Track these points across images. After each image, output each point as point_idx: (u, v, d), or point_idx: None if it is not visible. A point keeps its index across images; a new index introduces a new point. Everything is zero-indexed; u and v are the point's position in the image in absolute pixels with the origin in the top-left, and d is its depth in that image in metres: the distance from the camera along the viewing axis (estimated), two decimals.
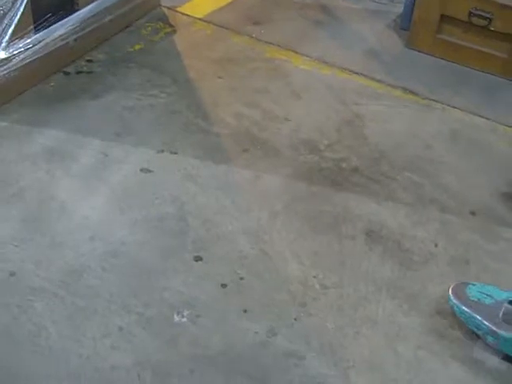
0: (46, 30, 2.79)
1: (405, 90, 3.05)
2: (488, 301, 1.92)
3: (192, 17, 3.46)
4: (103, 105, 2.78)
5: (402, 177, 2.57)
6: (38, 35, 2.75)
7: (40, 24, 2.76)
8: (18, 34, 2.64)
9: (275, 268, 2.15)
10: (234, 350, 1.91)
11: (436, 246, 2.28)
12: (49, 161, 2.48)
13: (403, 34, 3.46)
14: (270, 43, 3.32)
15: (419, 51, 3.33)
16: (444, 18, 3.23)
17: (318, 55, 3.26)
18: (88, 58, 3.05)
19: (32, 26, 2.72)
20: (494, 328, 1.85)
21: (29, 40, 2.71)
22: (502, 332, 1.85)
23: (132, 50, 3.15)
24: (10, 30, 2.60)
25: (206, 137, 2.66)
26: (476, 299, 1.93)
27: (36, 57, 2.75)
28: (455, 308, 1.95)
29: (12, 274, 2.04)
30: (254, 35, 3.36)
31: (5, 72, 2.63)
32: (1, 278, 2.03)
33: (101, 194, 2.36)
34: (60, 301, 1.98)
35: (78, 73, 2.97)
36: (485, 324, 1.87)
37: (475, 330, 1.91)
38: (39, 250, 2.13)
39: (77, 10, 2.94)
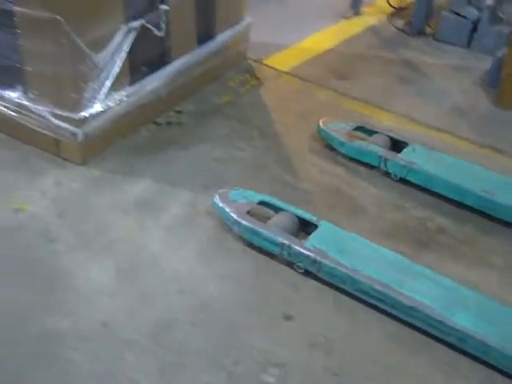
0: (140, 83, 2.90)
1: (492, 148, 3.01)
2: (242, 201, 2.47)
3: (278, 70, 3.52)
4: (192, 156, 2.84)
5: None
6: (132, 88, 2.86)
7: (135, 77, 2.88)
8: (114, 87, 2.76)
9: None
10: None
11: None
12: (139, 211, 2.54)
13: (491, 91, 3.44)
14: (356, 98, 3.34)
15: (508, 109, 3.29)
16: None
17: (403, 111, 3.26)
18: (177, 108, 3.14)
19: (128, 80, 2.84)
20: (237, 219, 2.36)
21: (124, 93, 2.82)
22: (243, 222, 2.36)
23: (220, 101, 3.23)
24: (108, 84, 2.71)
25: (294, 192, 2.68)
26: (233, 199, 2.47)
27: (130, 109, 2.85)
28: (214, 206, 2.48)
29: (105, 325, 2.08)
30: (339, 89, 3.39)
31: (100, 124, 2.74)
32: (94, 328, 2.07)
33: (189, 246, 2.40)
34: (151, 354, 2.01)
35: (168, 123, 3.05)
36: (231, 216, 2.38)
37: (227, 221, 2.43)
38: (130, 302, 2.17)
39: (169, 63, 3.05)
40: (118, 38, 2.69)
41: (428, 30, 4.01)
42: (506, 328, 2.09)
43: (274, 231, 2.35)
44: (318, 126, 2.96)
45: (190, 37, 3.16)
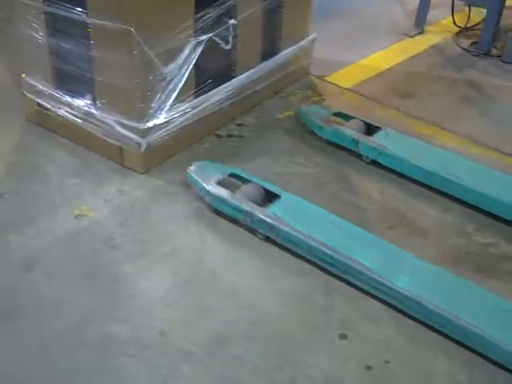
0: (204, 96, 2.93)
1: None
2: (215, 172, 2.65)
3: (340, 87, 3.52)
4: (252, 169, 2.84)
5: None
6: (197, 100, 2.90)
7: (200, 89, 2.91)
8: (179, 99, 2.80)
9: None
10: None
11: None
12: (199, 223, 2.56)
13: None
14: (418, 118, 3.30)
15: None
16: None
17: (467, 133, 3.21)
18: (239, 122, 3.16)
19: (193, 92, 2.88)
20: (206, 187, 2.56)
21: (188, 104, 2.85)
22: (210, 188, 2.56)
23: (281, 116, 3.24)
24: (174, 95, 2.75)
25: (352, 211, 2.66)
26: (206, 171, 2.65)
27: (193, 120, 2.89)
28: (189, 178, 2.66)
29: (162, 334, 2.11)
30: (401, 108, 3.37)
31: (164, 134, 2.78)
32: (152, 336, 2.10)
33: (248, 260, 2.41)
34: (206, 367, 2.02)
35: (229, 136, 3.08)
36: (203, 185, 2.57)
37: (199, 191, 2.62)
38: (188, 313, 2.19)
39: (234, 77, 3.08)
40: (186, 50, 2.73)
41: (494, 51, 3.95)
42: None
43: (239, 199, 2.50)
44: (299, 109, 3.17)
45: (255, 52, 3.19)
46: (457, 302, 2.17)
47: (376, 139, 2.93)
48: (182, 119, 2.83)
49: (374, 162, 2.91)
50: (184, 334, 2.12)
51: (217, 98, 2.98)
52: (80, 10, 2.59)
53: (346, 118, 3.10)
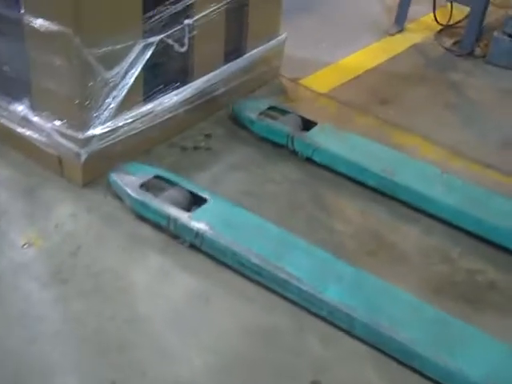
0: (155, 102, 2.68)
1: None
2: (138, 174, 2.46)
3: (315, 91, 3.29)
4: (220, 188, 2.62)
5: None
6: (146, 107, 2.64)
7: (150, 95, 2.67)
8: (126, 106, 2.55)
9: None
10: None
11: None
12: (162, 253, 2.33)
13: None
14: (398, 126, 3.09)
15: None
16: None
17: (449, 144, 3.00)
18: (207, 132, 2.92)
19: (141, 98, 2.63)
20: (129, 192, 2.38)
21: (137, 112, 2.61)
22: (133, 194, 2.38)
23: None
24: (119, 102, 2.51)
25: (329, 236, 2.45)
26: (129, 173, 2.46)
27: (141, 129, 2.64)
28: (110, 180, 2.47)
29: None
30: (380, 115, 3.15)
31: (108, 143, 2.53)
32: None
33: (219, 297, 2.20)
34: None
35: (196, 148, 2.84)
36: (124, 189, 2.40)
37: (120, 195, 2.44)
38: (145, 358, 1.97)
39: (190, 82, 2.83)
40: (133, 53, 2.48)
41: (478, 50, 3.74)
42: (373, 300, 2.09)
43: (162, 204, 2.33)
44: (232, 105, 2.95)
45: (217, 53, 2.94)
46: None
47: (311, 135, 2.77)
48: (128, 128, 2.58)
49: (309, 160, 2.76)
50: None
51: (169, 104, 2.73)
52: (15, 7, 2.35)
53: (282, 112, 2.91)
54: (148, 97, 2.66)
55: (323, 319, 2.10)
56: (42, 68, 2.43)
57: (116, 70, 2.46)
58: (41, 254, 2.26)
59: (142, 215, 2.38)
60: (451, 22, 3.97)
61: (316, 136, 2.77)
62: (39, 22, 2.32)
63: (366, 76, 3.47)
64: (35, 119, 2.54)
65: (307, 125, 2.87)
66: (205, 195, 2.40)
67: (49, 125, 2.51)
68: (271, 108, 2.93)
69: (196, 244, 2.28)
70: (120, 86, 2.50)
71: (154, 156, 2.75)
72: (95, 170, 2.57)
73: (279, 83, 3.32)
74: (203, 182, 2.62)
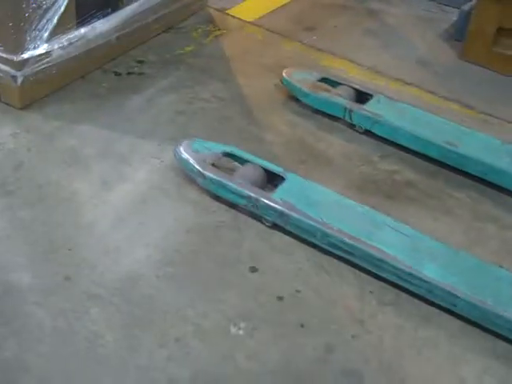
0: (88, 27, 2.76)
1: (460, 103, 2.99)
2: (206, 152, 2.40)
3: (242, 20, 3.42)
4: (155, 108, 2.75)
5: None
6: (79, 32, 2.72)
7: (83, 20, 2.74)
8: (59, 29, 2.63)
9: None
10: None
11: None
12: (101, 164, 2.45)
13: (456, 44, 3.40)
14: (322, 50, 3.27)
15: (474, 63, 3.26)
16: (501, 30, 3.17)
17: (370, 64, 3.20)
18: (139, 59, 3.03)
19: (74, 22, 2.70)
20: (202, 171, 2.30)
21: (70, 36, 2.69)
22: (207, 173, 2.30)
23: (183, 52, 3.12)
24: (52, 25, 2.58)
25: (260, 145, 2.62)
26: (197, 150, 2.39)
27: (76, 53, 2.72)
28: (176, 156, 2.41)
29: (67, 279, 2.01)
30: (305, 41, 3.32)
31: (43, 66, 2.61)
32: (56, 282, 2.00)
33: (157, 200, 2.33)
34: (116, 309, 1.95)
35: (129, 74, 2.94)
36: (196, 167, 2.31)
37: (190, 173, 2.36)
38: (94, 255, 2.10)
39: (121, 9, 2.92)
40: None
41: None
42: (473, 279, 2.10)
43: (241, 184, 2.29)
44: (282, 76, 2.90)
45: None
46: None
47: (369, 107, 2.74)
48: (62, 51, 2.66)
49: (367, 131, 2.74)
50: (90, 277, 2.02)
51: (102, 29, 2.81)
52: None
53: (333, 83, 2.87)
54: (81, 22, 2.74)
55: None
56: None
57: None
58: None
59: (218, 195, 2.34)
60: None
61: (374, 108, 2.75)
62: None
63: (290, 5, 3.62)
64: None
65: (362, 96, 2.84)
66: (281, 173, 2.37)
67: None
68: (323, 79, 2.90)
69: (280, 224, 2.24)
70: (53, 9, 2.57)
71: (89, 81, 2.85)
72: (32, 93, 2.64)
73: (207, 13, 3.44)
74: (139, 103, 2.75)
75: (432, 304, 2.06)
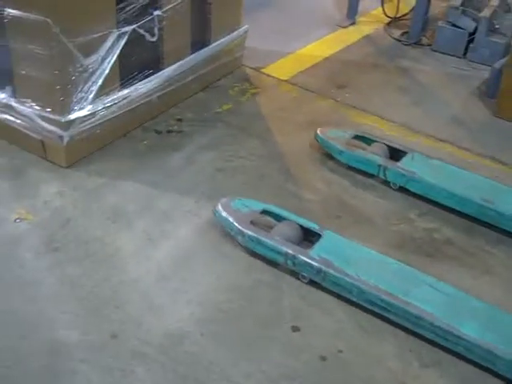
0: (130, 88, 2.87)
1: (495, 160, 3.02)
2: (245, 210, 2.46)
3: (277, 78, 3.51)
4: (194, 165, 2.82)
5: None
6: (122, 92, 2.84)
7: (126, 82, 2.86)
8: (103, 91, 2.74)
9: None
10: None
11: None
12: (145, 220, 2.51)
13: (489, 101, 3.45)
14: (355, 107, 3.34)
15: (507, 120, 3.30)
16: None
17: (403, 121, 3.26)
18: (178, 117, 3.12)
19: (118, 84, 2.82)
20: (241, 228, 2.36)
21: (114, 97, 2.79)
22: (246, 231, 2.34)
23: (220, 110, 3.21)
24: (97, 87, 2.69)
25: (298, 202, 2.67)
26: (236, 208, 2.45)
27: (119, 113, 2.83)
28: (217, 215, 2.46)
29: (113, 336, 2.05)
30: (338, 99, 3.39)
31: (88, 126, 2.71)
32: (102, 339, 2.04)
33: (197, 257, 2.38)
34: (160, 366, 1.98)
35: (169, 132, 3.03)
36: (235, 225, 2.37)
37: (230, 231, 2.41)
38: (139, 312, 2.14)
39: (161, 69, 3.03)
40: (108, 42, 2.68)
41: (424, 40, 4.03)
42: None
43: (279, 241, 2.34)
44: (316, 134, 2.96)
45: (184, 43, 3.14)
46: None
47: (403, 165, 2.77)
48: (106, 112, 2.77)
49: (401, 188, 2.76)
50: (136, 334, 2.07)
51: (144, 90, 2.93)
52: None
53: (367, 141, 2.93)
54: (124, 83, 2.85)
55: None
56: (24, 57, 2.58)
57: (93, 57, 2.65)
58: (32, 227, 2.42)
59: (256, 252, 2.37)
60: (399, 15, 4.25)
61: (408, 165, 2.77)
62: (19, 12, 2.48)
63: (322, 64, 3.71)
64: (18, 106, 2.68)
65: (395, 154, 2.87)
66: (317, 230, 2.40)
67: (31, 110, 2.66)
68: (357, 137, 2.95)
69: (317, 280, 2.27)
70: (98, 73, 2.68)
71: (131, 139, 2.94)
72: (77, 152, 2.74)
73: (243, 72, 3.53)
74: (179, 161, 2.83)
75: (472, 363, 2.07)
